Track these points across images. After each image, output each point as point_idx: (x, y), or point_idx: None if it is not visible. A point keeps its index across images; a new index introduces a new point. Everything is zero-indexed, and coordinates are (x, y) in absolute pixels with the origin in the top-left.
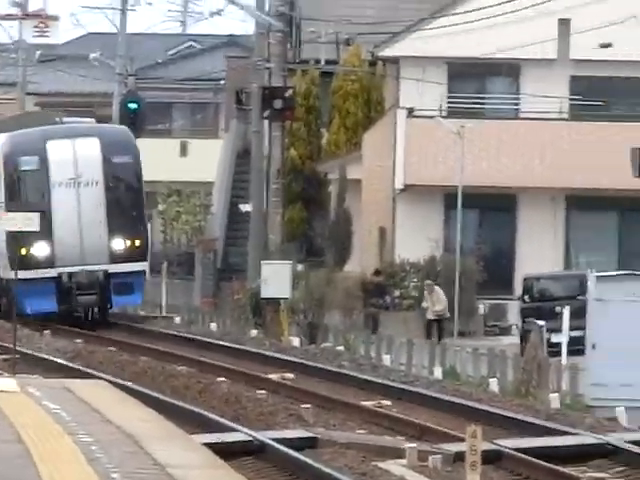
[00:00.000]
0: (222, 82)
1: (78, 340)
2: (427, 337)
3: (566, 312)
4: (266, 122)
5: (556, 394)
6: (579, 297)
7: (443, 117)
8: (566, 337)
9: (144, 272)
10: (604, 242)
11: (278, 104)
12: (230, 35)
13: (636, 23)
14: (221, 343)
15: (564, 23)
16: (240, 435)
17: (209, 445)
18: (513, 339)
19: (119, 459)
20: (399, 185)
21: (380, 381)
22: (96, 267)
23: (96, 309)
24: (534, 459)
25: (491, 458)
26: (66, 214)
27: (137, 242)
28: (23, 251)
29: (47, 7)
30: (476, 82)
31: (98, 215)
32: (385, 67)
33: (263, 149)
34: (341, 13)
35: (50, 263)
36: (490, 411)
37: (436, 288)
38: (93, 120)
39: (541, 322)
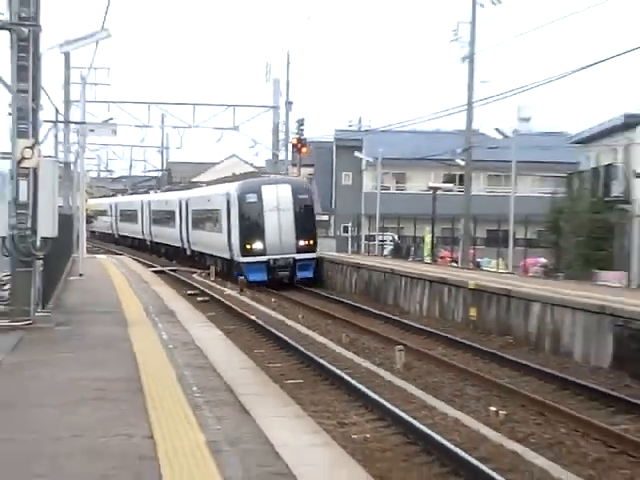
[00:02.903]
0: None
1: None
2: None
3: None
4: None
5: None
6: None
7: None
8: None
9: (315, 259)
10: None
11: None
12: None
13: None
14: None
15: None
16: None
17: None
18: None
19: (141, 289)
20: None
21: None
22: (289, 256)
23: (287, 280)
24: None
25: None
26: (272, 227)
27: (311, 242)
28: (248, 246)
29: None
30: None
31: (290, 227)
32: None
33: None
34: None
35: (263, 253)
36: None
37: None
38: (285, 175)
39: None
